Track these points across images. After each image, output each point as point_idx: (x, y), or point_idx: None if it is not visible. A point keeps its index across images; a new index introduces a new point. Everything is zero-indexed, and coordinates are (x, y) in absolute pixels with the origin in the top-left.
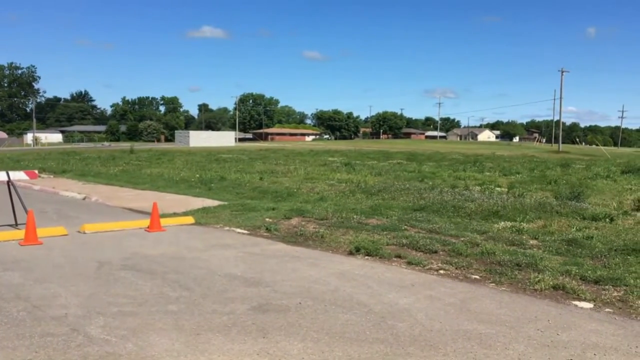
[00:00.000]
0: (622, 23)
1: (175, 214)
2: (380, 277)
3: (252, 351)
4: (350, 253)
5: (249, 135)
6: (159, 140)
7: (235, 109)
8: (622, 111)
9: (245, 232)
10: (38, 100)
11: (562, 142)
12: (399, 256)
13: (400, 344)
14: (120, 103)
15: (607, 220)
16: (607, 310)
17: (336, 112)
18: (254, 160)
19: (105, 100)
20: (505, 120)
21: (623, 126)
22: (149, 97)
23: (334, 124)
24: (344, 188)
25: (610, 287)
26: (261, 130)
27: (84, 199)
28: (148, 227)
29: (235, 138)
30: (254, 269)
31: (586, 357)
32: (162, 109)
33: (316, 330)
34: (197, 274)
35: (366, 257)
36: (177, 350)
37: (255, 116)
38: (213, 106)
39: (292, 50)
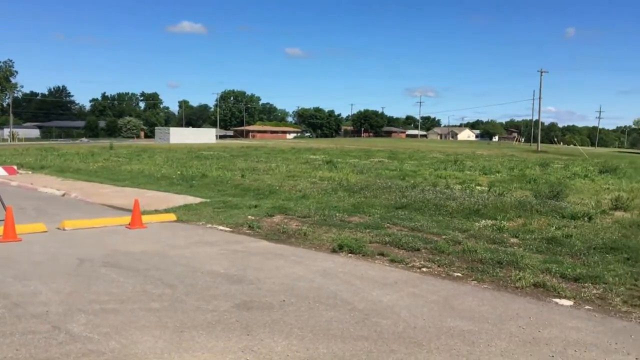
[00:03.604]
0: (601, 24)
1: (156, 211)
2: (364, 274)
3: (236, 348)
4: (334, 251)
5: (230, 133)
6: (138, 137)
7: (216, 105)
8: (600, 112)
9: (228, 229)
10: (15, 95)
11: (541, 142)
12: (382, 254)
13: (384, 341)
14: (100, 99)
15: (586, 219)
16: (587, 307)
17: (317, 110)
18: (235, 157)
19: (83, 96)
20: (485, 119)
21: (600, 126)
22: (128, 93)
23: (316, 122)
24: (326, 186)
25: (590, 284)
26: (242, 128)
27: (63, 195)
28: (129, 224)
29: (216, 135)
30: (237, 267)
31: (567, 353)
32: (142, 105)
33: (300, 327)
34: (179, 271)
35: (349, 254)
36: (160, 348)
37: (237, 113)
38: (193, 103)
39: (274, 47)
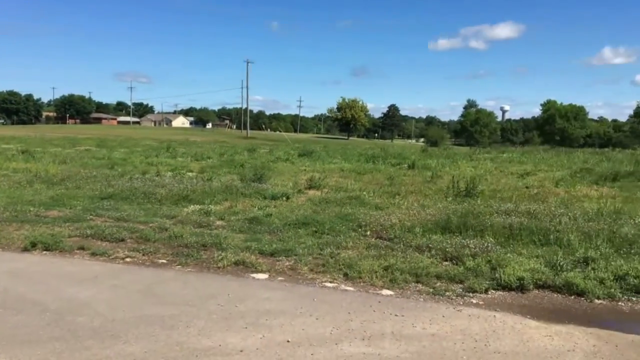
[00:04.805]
0: (299, 17)
1: None
2: (60, 271)
3: None
4: (26, 249)
5: None
6: None
7: None
8: (300, 101)
9: None
10: None
11: (250, 129)
12: (82, 248)
13: (78, 339)
14: None
15: (284, 198)
16: (279, 278)
17: (12, 93)
18: None
19: None
20: (198, 107)
21: (301, 114)
22: None
23: (10, 107)
24: (19, 178)
25: (284, 257)
26: None
27: None
28: None
29: None
30: None
31: (259, 323)
32: None
33: None
34: None
35: (44, 252)
36: None
37: None
38: None
39: None
